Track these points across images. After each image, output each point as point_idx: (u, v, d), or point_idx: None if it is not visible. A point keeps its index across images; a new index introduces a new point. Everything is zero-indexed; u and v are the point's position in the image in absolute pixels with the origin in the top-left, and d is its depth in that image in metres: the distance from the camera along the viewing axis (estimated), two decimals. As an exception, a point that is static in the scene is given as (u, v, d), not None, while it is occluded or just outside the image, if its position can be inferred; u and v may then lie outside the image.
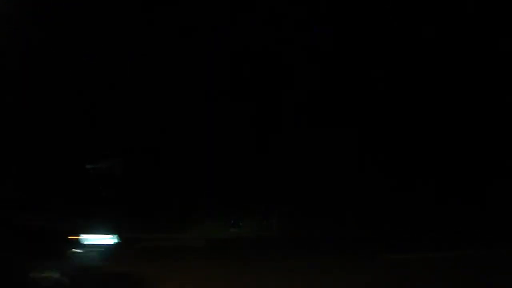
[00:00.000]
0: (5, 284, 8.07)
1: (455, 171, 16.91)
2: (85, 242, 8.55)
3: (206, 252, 13.98)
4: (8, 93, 16.60)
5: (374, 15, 17.60)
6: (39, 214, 8.78)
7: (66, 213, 9.24)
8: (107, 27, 16.98)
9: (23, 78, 16.91)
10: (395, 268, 10.67)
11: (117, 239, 9.07)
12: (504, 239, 12.67)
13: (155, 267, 10.55)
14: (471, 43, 17.25)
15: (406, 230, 15.34)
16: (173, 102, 17.67)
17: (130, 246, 13.24)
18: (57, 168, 17.10)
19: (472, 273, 9.80)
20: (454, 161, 17.09)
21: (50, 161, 17.09)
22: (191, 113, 17.85)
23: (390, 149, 17.49)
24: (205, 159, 17.71)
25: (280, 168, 17.47)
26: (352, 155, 17.73)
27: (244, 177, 17.42)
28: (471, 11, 17.01)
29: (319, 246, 13.85)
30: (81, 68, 17.21)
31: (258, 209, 17.92)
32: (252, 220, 17.91)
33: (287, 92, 18.23)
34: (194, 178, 17.52)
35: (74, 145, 17.33)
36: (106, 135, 17.66)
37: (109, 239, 8.98)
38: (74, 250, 8.43)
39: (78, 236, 8.51)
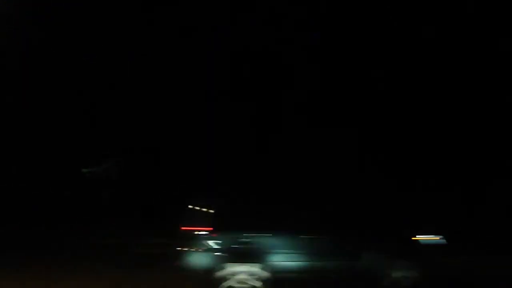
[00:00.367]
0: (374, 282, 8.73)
1: (457, 171, 16.83)
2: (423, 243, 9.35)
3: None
4: (7, 93, 16.66)
5: (374, 15, 17.57)
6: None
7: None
8: (107, 27, 17.06)
9: (21, 79, 16.98)
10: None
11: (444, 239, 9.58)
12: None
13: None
14: (471, 43, 17.23)
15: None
16: (173, 103, 17.68)
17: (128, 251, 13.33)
18: (53, 170, 17.15)
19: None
20: (456, 162, 17.02)
21: (46, 163, 17.12)
22: (191, 113, 17.84)
23: (390, 149, 17.45)
24: (204, 160, 17.62)
25: (280, 170, 17.33)
26: (353, 156, 17.68)
27: (244, 180, 17.29)
28: (471, 11, 16.97)
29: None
30: (81, 68, 17.29)
31: None
32: None
33: (287, 92, 18.20)
34: (193, 182, 17.36)
35: (70, 146, 17.32)
36: (103, 136, 17.67)
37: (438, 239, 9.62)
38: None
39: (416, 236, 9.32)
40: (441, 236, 9.58)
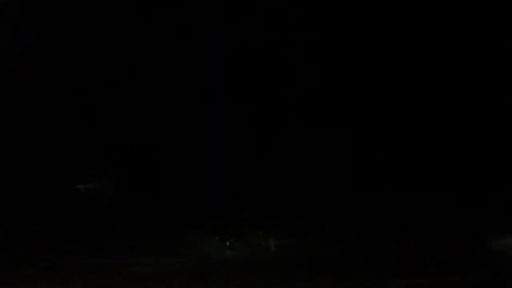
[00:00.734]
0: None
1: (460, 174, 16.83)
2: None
3: (198, 279, 13.32)
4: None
5: (374, 15, 17.58)
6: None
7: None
8: (106, 27, 16.93)
9: (20, 80, 16.84)
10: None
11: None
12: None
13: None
14: (471, 43, 17.29)
15: (416, 244, 15.23)
16: (173, 103, 17.58)
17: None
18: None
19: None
20: (458, 164, 17.02)
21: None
22: (191, 114, 17.76)
23: (392, 150, 17.43)
24: (204, 167, 17.61)
25: (281, 175, 17.40)
26: (354, 157, 17.65)
27: (243, 188, 17.27)
28: (471, 11, 16.99)
29: (325, 268, 13.79)
30: (79, 69, 17.16)
31: (255, 226, 16.93)
32: (246, 240, 16.70)
33: (287, 92, 18.14)
34: (191, 192, 17.33)
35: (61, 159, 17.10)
36: (98, 139, 17.48)
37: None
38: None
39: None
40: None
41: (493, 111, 17.21)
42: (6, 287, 11.54)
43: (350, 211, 16.68)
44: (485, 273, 12.68)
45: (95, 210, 17.15)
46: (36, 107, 17.14)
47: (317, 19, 17.88)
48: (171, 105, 17.63)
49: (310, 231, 16.25)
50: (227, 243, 16.26)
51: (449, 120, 17.55)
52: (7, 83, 16.58)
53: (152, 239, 15.88)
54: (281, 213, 16.72)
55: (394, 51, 17.44)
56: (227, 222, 16.58)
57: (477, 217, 15.93)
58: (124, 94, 17.63)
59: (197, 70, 17.54)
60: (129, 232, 16.10)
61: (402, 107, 17.60)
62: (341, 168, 17.47)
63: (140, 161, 17.85)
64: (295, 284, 12.33)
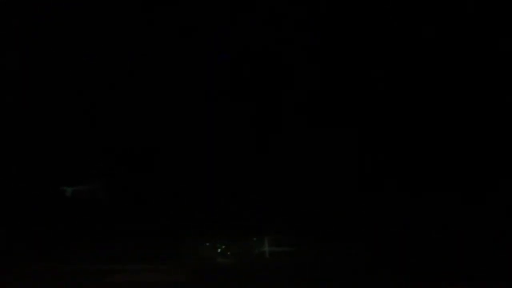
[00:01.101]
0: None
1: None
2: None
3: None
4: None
5: (374, 14, 17.51)
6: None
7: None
8: (105, 27, 16.87)
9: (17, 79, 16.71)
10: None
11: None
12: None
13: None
14: (471, 43, 17.22)
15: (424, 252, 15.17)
16: (172, 103, 17.48)
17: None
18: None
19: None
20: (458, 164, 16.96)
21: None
22: (190, 114, 17.66)
23: (391, 150, 17.38)
24: (198, 169, 17.34)
25: (279, 176, 17.14)
26: (353, 158, 17.56)
27: (238, 190, 16.95)
28: (471, 10, 16.97)
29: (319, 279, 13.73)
30: (78, 68, 17.04)
31: (249, 231, 16.43)
32: (239, 247, 16.25)
33: (287, 92, 18.06)
34: (183, 196, 17.00)
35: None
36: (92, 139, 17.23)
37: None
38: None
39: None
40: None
41: (493, 111, 17.19)
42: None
43: (349, 212, 16.54)
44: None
45: (84, 213, 16.68)
46: (27, 108, 16.93)
47: (317, 19, 17.81)
48: (168, 106, 17.50)
49: (307, 236, 15.87)
50: (219, 250, 15.73)
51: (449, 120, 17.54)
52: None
53: (143, 244, 15.52)
54: (278, 217, 16.27)
55: (394, 51, 17.40)
56: (220, 227, 16.05)
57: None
58: (118, 94, 17.47)
59: (196, 70, 17.48)
60: (119, 237, 15.71)
61: (402, 107, 17.55)
62: (341, 168, 17.34)
63: (133, 164, 17.50)
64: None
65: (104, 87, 17.26)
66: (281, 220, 16.30)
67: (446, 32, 17.23)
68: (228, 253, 15.81)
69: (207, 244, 15.84)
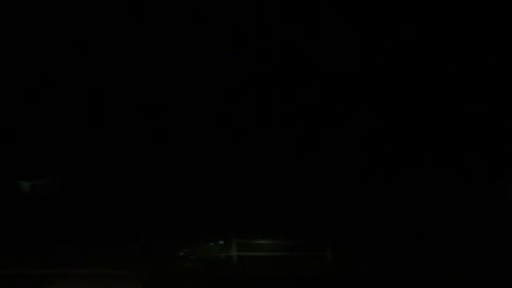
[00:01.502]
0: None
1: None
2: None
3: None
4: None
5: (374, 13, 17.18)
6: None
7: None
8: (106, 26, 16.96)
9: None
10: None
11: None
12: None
13: None
14: (459, 40, 17.07)
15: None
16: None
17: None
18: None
19: None
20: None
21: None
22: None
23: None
24: (165, 169, 16.67)
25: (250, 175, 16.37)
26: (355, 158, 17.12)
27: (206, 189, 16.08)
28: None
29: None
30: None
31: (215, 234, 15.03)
32: (205, 251, 14.75)
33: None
34: (144, 194, 16.11)
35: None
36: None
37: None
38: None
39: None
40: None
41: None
42: None
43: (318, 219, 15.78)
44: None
45: (40, 209, 15.70)
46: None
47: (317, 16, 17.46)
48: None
49: (279, 241, 14.65)
50: (181, 253, 14.46)
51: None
52: None
53: (98, 246, 14.31)
54: (249, 218, 15.35)
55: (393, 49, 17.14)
56: (184, 228, 14.97)
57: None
58: (73, 88, 17.03)
59: (195, 70, 17.36)
60: (74, 236, 14.63)
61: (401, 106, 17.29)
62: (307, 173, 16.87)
63: (92, 162, 16.82)
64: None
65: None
66: (252, 223, 15.38)
67: (435, 31, 17.05)
68: (192, 257, 14.59)
69: (169, 246, 14.55)
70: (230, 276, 13.26)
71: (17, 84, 16.71)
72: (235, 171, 16.56)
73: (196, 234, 14.96)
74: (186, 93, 17.16)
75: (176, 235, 14.96)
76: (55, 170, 16.36)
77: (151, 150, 16.95)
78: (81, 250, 13.98)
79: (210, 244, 14.70)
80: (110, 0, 16.69)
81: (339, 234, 15.09)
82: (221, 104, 17.19)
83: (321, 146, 17.16)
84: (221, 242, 14.64)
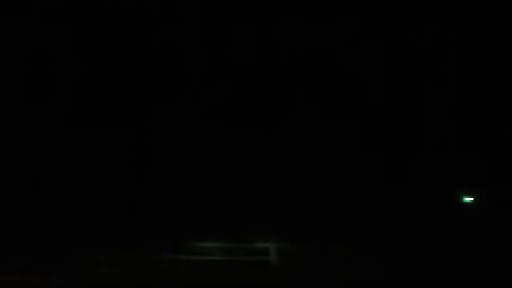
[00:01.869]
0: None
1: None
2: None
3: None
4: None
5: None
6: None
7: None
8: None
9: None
10: None
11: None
12: None
13: None
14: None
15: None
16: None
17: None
18: None
19: None
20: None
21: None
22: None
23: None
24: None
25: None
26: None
27: None
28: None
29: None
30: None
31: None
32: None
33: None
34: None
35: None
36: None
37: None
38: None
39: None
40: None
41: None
42: None
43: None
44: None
45: None
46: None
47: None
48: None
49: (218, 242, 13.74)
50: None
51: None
52: None
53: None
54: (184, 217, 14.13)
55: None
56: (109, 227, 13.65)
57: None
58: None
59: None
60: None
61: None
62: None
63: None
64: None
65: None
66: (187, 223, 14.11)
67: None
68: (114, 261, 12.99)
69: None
70: (157, 284, 12.09)
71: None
72: (171, 165, 15.41)
73: (123, 233, 13.71)
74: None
75: (102, 235, 13.70)
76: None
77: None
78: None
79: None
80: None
81: (285, 235, 14.08)
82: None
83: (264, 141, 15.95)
84: (152, 244, 13.35)
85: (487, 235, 14.15)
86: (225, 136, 15.82)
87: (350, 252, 13.68)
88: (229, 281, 12.37)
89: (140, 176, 15.09)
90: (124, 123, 15.67)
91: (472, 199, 15.33)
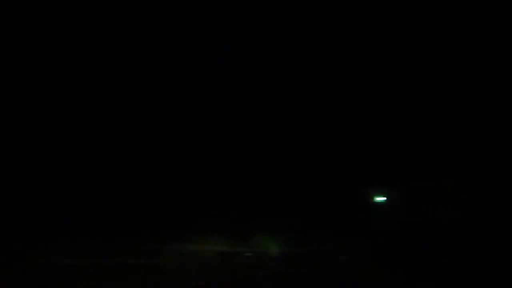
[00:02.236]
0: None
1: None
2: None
3: None
4: None
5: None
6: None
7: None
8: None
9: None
10: None
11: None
12: None
13: None
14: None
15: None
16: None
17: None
18: None
19: None
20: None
21: None
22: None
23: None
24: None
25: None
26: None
27: None
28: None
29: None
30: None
31: None
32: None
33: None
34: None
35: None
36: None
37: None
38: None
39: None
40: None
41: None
42: None
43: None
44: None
45: None
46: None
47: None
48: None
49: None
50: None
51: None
52: None
53: None
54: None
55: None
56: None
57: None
58: None
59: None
60: None
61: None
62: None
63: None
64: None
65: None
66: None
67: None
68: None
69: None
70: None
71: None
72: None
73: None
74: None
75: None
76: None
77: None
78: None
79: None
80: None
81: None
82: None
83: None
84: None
85: (396, 234, 14.32)
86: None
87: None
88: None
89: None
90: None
91: (384, 198, 15.39)
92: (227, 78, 16.24)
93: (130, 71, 15.70)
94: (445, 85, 16.66)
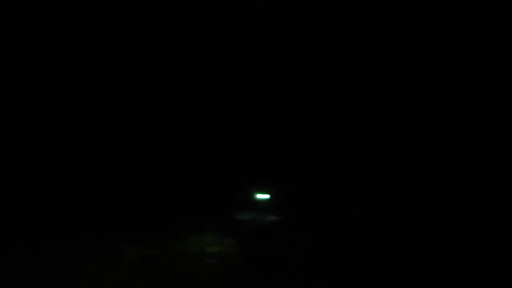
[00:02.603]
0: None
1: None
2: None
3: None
4: None
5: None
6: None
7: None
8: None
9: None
10: None
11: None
12: None
13: None
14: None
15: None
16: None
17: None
18: None
19: None
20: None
21: None
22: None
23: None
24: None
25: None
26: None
27: None
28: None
29: None
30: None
31: None
32: None
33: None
34: None
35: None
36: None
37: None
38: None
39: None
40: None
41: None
42: None
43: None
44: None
45: None
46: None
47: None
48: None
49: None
50: None
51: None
52: None
53: None
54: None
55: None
56: None
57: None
58: None
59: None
60: None
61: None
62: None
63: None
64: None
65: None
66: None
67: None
68: None
69: None
70: None
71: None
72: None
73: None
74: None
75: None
76: None
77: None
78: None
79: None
80: None
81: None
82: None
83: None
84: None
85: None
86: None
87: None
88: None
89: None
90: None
91: (268, 196, 14.76)
92: (227, 78, 16.31)
93: (130, 71, 15.82)
94: (445, 85, 16.97)
